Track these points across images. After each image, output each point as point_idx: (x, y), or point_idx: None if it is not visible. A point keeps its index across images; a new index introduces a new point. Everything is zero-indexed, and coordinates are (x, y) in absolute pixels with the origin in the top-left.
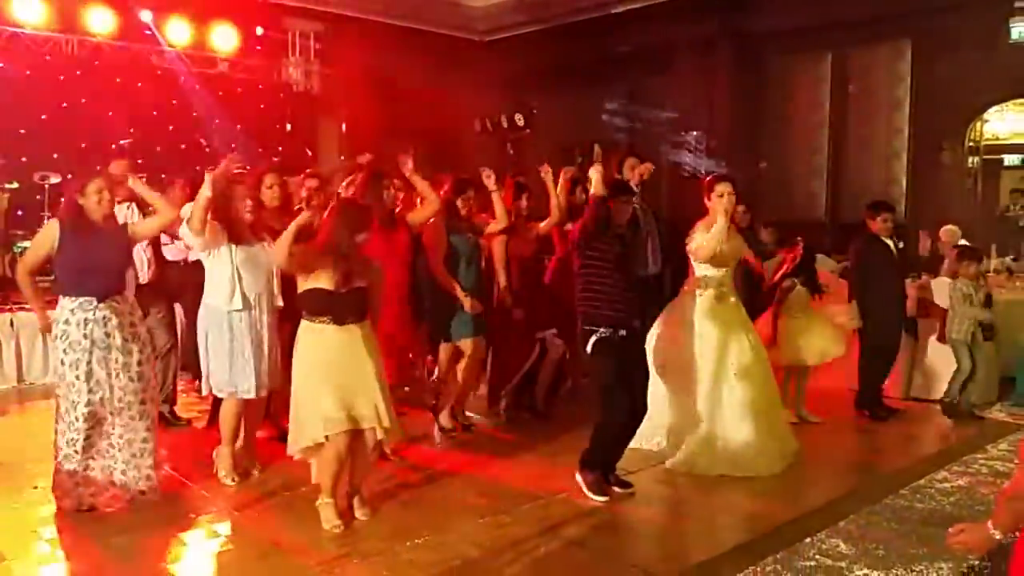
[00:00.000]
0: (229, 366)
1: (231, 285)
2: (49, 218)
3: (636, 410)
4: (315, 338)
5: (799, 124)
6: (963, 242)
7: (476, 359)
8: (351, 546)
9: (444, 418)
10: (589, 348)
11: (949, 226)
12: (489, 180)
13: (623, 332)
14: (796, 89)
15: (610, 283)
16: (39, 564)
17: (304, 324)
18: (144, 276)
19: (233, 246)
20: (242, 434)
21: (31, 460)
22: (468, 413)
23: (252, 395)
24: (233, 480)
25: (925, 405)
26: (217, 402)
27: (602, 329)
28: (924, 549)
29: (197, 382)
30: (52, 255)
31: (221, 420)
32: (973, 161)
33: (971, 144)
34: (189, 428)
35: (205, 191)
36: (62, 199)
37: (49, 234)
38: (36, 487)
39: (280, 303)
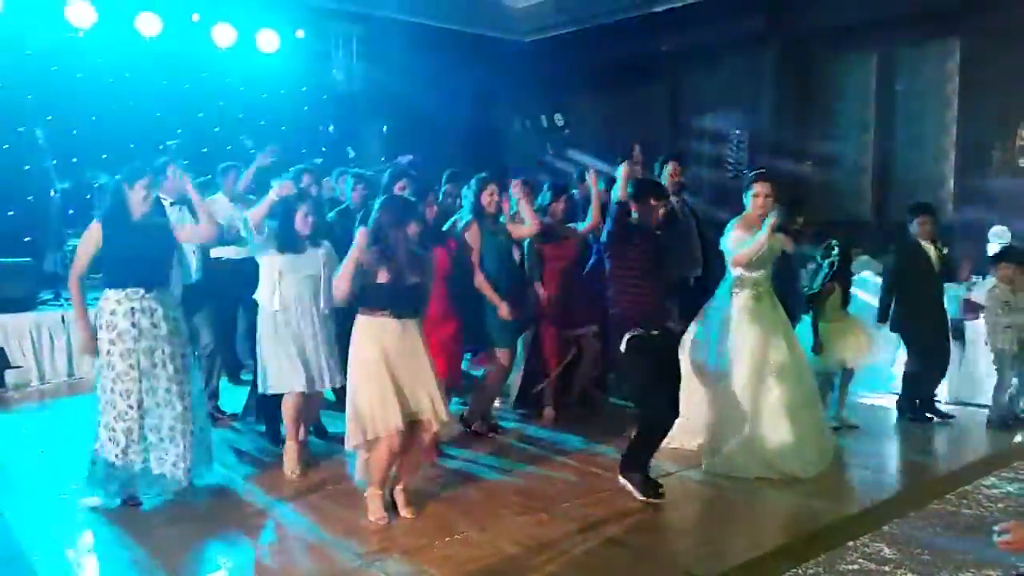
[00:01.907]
0: (280, 364)
1: (272, 287)
2: None
3: (672, 408)
4: (373, 332)
5: (845, 123)
6: (1002, 243)
7: (505, 369)
8: (391, 540)
9: (477, 424)
10: (623, 347)
11: (998, 227)
12: (516, 189)
13: (656, 332)
14: (842, 88)
15: (642, 284)
16: (87, 555)
17: (361, 319)
18: (192, 276)
19: (279, 256)
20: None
21: (80, 452)
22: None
23: (303, 389)
24: (294, 473)
25: (972, 409)
26: (260, 399)
27: (635, 329)
28: (971, 555)
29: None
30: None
31: (284, 416)
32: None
33: (1021, 143)
34: (231, 422)
35: (272, 195)
36: (106, 198)
37: (93, 235)
38: (74, 486)
39: (330, 305)
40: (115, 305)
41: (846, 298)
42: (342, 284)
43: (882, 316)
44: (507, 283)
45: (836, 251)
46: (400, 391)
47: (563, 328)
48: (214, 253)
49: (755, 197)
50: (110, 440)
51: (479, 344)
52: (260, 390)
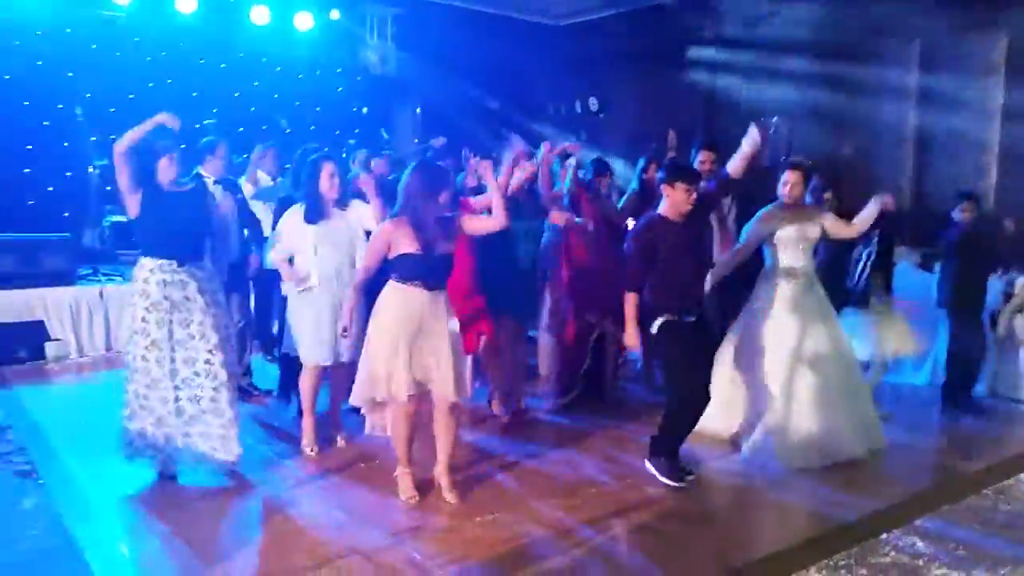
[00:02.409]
0: (309, 336)
1: (308, 263)
2: None
3: (704, 392)
4: (402, 300)
5: (886, 111)
6: None
7: (512, 342)
8: (421, 520)
9: (495, 405)
10: (654, 331)
11: None
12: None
13: (689, 318)
14: (884, 75)
15: (672, 269)
16: (120, 526)
17: (393, 284)
18: (235, 253)
19: (309, 226)
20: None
21: (116, 426)
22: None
23: (329, 362)
24: (312, 450)
25: (1012, 404)
26: (287, 374)
27: (666, 315)
28: (1008, 552)
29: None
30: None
31: (301, 391)
32: None
33: None
34: (265, 399)
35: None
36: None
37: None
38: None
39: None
40: (148, 274)
41: (888, 288)
42: (362, 275)
43: (944, 300)
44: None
45: (875, 241)
46: (416, 360)
47: (585, 312)
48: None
49: (784, 185)
50: (142, 408)
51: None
52: (283, 351)
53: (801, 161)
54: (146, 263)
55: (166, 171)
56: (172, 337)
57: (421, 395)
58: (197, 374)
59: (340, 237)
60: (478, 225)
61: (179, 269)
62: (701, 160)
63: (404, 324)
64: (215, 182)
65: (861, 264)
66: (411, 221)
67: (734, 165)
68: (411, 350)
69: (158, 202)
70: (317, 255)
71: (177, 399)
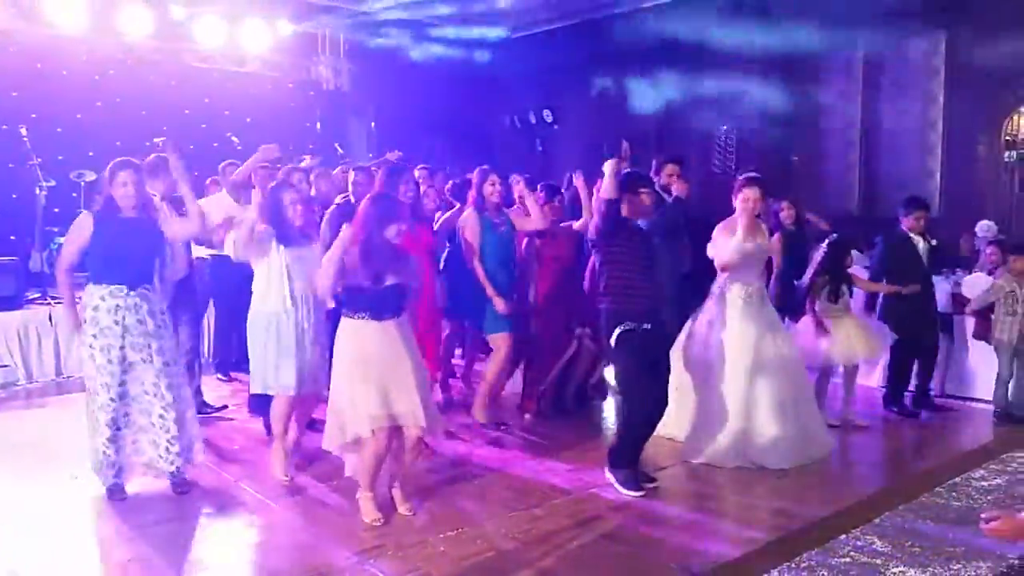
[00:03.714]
0: (276, 365)
1: (281, 287)
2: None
3: (660, 401)
4: (354, 334)
5: (832, 118)
6: (999, 236)
7: (507, 356)
8: (386, 538)
9: (479, 413)
10: (613, 341)
11: (985, 221)
12: (518, 186)
13: (647, 326)
14: (828, 83)
15: (632, 278)
16: (76, 553)
17: (344, 321)
18: (181, 273)
19: (283, 247)
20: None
21: (70, 451)
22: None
23: (294, 392)
24: (286, 476)
25: (961, 403)
26: (256, 397)
27: (626, 323)
28: (961, 548)
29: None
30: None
31: (272, 418)
32: (1009, 155)
33: (1007, 138)
34: (224, 419)
35: (251, 213)
36: (96, 193)
37: (83, 225)
38: (76, 477)
39: (331, 303)
40: (99, 301)
41: (838, 292)
42: (324, 281)
43: (869, 307)
44: (506, 275)
45: (825, 244)
46: (381, 393)
47: (560, 326)
48: (196, 253)
49: (744, 202)
50: (94, 430)
51: (477, 331)
52: (252, 389)
53: (758, 176)
54: (95, 290)
55: (124, 196)
56: (125, 360)
57: (392, 429)
58: (147, 393)
59: (310, 264)
60: (523, 224)
61: (131, 293)
62: (668, 173)
63: (360, 359)
64: (162, 199)
65: (810, 268)
66: (360, 251)
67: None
68: (373, 384)
69: (111, 229)
70: (289, 279)
71: (127, 415)
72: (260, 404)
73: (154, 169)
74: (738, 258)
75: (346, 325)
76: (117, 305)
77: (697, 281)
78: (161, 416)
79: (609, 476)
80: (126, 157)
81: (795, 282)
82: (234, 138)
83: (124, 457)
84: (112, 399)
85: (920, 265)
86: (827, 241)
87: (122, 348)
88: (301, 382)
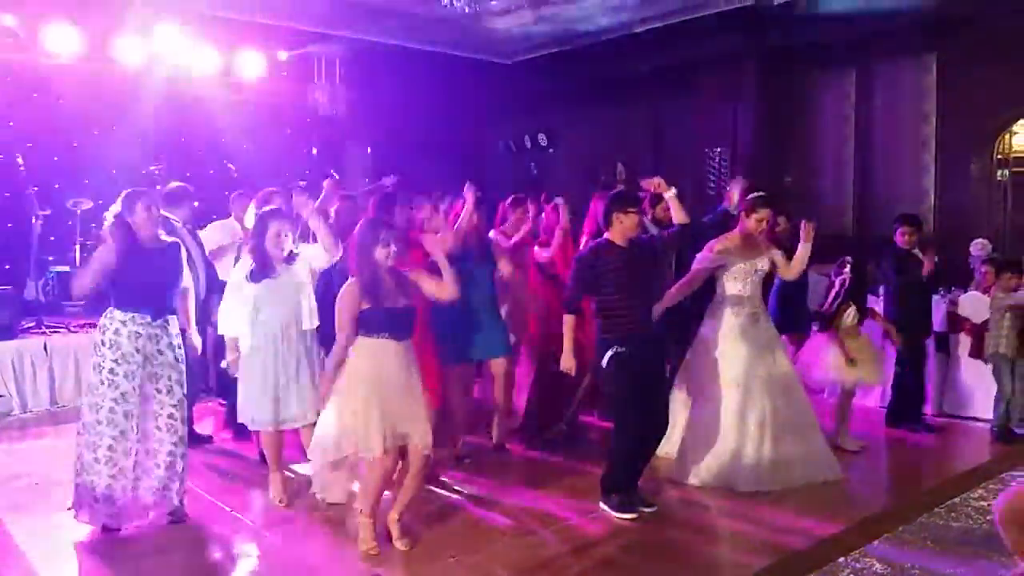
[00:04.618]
0: (256, 401)
1: (248, 324)
2: (82, 243)
3: (657, 425)
4: (371, 352)
5: (825, 138)
6: (994, 255)
7: (509, 379)
8: (381, 566)
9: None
10: (604, 363)
11: (979, 239)
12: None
13: (639, 349)
14: (821, 104)
15: (622, 299)
16: None
17: (361, 340)
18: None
19: (251, 284)
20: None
21: (64, 482)
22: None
23: (272, 428)
24: (281, 502)
25: (958, 422)
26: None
27: (617, 347)
28: (960, 569)
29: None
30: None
31: (265, 450)
32: (1002, 174)
33: (999, 157)
34: (214, 446)
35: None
36: (109, 222)
37: (105, 258)
38: (69, 508)
39: (315, 323)
40: (119, 325)
41: (861, 317)
42: (343, 344)
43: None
44: (482, 298)
45: (847, 269)
46: (391, 415)
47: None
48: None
49: (758, 221)
50: (96, 461)
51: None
52: (238, 419)
53: (770, 198)
54: (117, 315)
55: (145, 224)
56: (141, 390)
57: (398, 449)
58: (159, 428)
59: (285, 293)
60: (430, 288)
61: (153, 323)
62: (664, 208)
63: (376, 378)
64: (183, 225)
65: (835, 291)
66: (359, 280)
67: (678, 216)
68: (385, 404)
69: (136, 256)
70: (259, 316)
71: (135, 452)
72: (244, 427)
73: (175, 197)
74: (722, 264)
75: (365, 343)
76: (138, 332)
77: (694, 309)
78: (170, 454)
79: (602, 504)
80: (139, 188)
81: (808, 306)
82: (231, 165)
83: (124, 496)
84: (133, 428)
85: (922, 281)
86: (848, 267)
87: (140, 376)
88: (280, 416)
